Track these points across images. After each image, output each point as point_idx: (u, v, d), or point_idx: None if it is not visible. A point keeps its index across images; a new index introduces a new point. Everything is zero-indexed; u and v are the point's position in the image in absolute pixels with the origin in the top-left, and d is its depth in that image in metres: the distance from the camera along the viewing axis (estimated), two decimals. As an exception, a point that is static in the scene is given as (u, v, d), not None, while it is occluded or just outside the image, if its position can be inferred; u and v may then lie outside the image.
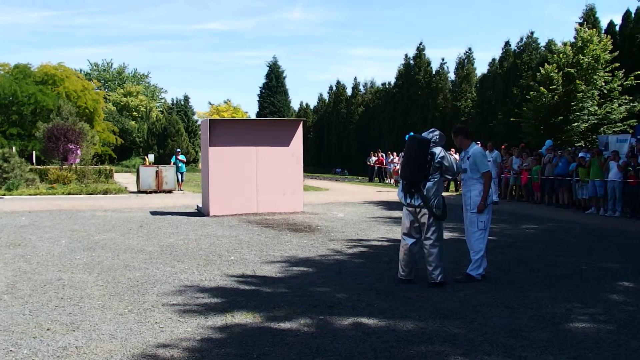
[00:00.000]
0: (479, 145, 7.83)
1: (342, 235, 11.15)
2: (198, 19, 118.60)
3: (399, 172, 7.33)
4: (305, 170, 17.37)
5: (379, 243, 10.35)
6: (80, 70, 65.50)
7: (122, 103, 69.31)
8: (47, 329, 5.26)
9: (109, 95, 69.16)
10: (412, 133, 7.47)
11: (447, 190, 24.25)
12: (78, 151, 26.72)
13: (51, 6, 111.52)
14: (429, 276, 7.02)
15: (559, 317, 5.70)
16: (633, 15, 26.34)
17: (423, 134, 7.22)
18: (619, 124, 23.36)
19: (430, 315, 5.73)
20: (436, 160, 6.96)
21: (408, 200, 7.04)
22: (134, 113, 69.31)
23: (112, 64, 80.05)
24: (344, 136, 49.17)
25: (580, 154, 17.15)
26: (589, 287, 6.97)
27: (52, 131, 26.27)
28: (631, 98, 23.38)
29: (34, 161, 35.53)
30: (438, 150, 7.01)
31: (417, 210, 7.01)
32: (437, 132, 7.23)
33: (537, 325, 5.41)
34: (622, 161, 15.16)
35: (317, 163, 50.06)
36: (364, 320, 5.55)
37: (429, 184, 6.95)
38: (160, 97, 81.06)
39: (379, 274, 7.62)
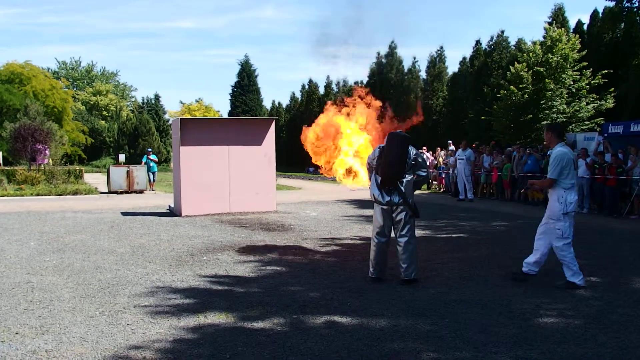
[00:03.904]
0: (566, 147, 7.09)
1: (315, 234, 11.16)
2: (169, 17, 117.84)
3: (378, 170, 7.15)
4: (277, 170, 17.34)
5: (352, 242, 10.39)
6: (48, 69, 64.47)
7: (91, 102, 68.44)
8: (16, 333, 5.17)
9: (78, 95, 68.24)
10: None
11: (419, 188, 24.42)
12: (46, 151, 26.29)
13: (18, 3, 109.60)
14: (403, 273, 7.04)
15: (529, 312, 5.79)
16: (600, 14, 26.86)
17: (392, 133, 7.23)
18: (587, 122, 23.80)
19: (402, 313, 5.77)
20: (411, 158, 7.01)
21: (387, 198, 6.99)
22: (104, 112, 68.51)
23: (80, 63, 79.03)
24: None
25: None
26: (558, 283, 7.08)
27: (19, 131, 25.81)
28: (598, 96, 23.84)
29: (1, 162, 34.81)
30: (411, 148, 7.08)
31: (394, 208, 7.02)
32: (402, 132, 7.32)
33: (507, 321, 5.48)
34: (589, 159, 15.44)
35: (289, 162, 49.99)
36: (337, 318, 5.57)
37: (405, 181, 7.00)
38: (130, 95, 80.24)
39: (352, 273, 7.65)
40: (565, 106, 23.78)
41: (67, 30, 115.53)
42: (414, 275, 7.01)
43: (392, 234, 7.19)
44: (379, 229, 7.15)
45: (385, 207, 7.06)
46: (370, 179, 7.41)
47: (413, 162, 7.02)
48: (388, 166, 6.98)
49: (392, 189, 6.97)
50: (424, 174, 7.17)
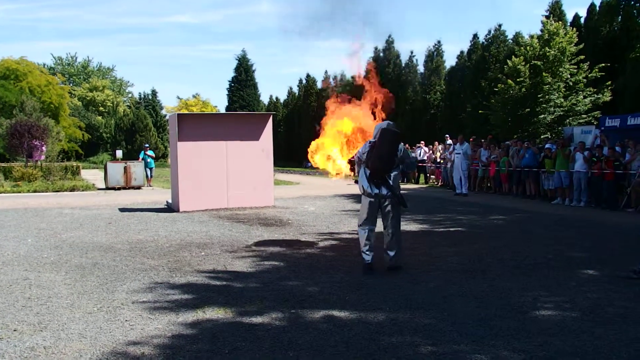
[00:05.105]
0: None
1: (313, 229, 11.17)
2: (166, 12, 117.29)
3: (367, 163, 7.25)
4: (275, 165, 17.33)
5: (350, 236, 10.38)
6: (44, 65, 64.19)
7: (88, 98, 68.19)
8: (14, 330, 5.17)
9: (74, 90, 67.98)
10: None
11: (417, 182, 24.48)
12: (43, 148, 26.23)
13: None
14: (391, 260, 7.34)
15: (526, 305, 5.80)
16: (598, 7, 26.83)
17: (381, 126, 7.29)
18: (583, 116, 23.81)
19: (401, 307, 5.78)
20: (399, 151, 7.23)
21: (376, 191, 7.20)
22: (101, 108, 68.26)
23: (76, 58, 78.70)
24: (315, 130, 49.10)
25: (547, 145, 17.45)
26: (555, 275, 7.10)
27: (15, 127, 25.74)
28: (595, 90, 23.83)
29: (-3, 159, 34.78)
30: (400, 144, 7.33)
31: (382, 200, 7.21)
32: (391, 122, 7.42)
33: (505, 314, 5.50)
34: (587, 152, 15.46)
35: (287, 157, 49.95)
36: (336, 313, 5.58)
37: (393, 175, 7.20)
38: (127, 91, 79.97)
39: (350, 267, 7.65)
40: (562, 100, 23.77)
41: (63, 25, 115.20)
42: (400, 262, 7.39)
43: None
44: (366, 220, 7.33)
45: (373, 200, 7.25)
46: (358, 172, 7.55)
47: (400, 156, 7.26)
48: (378, 160, 7.15)
49: (380, 182, 7.17)
50: (411, 160, 7.61)
